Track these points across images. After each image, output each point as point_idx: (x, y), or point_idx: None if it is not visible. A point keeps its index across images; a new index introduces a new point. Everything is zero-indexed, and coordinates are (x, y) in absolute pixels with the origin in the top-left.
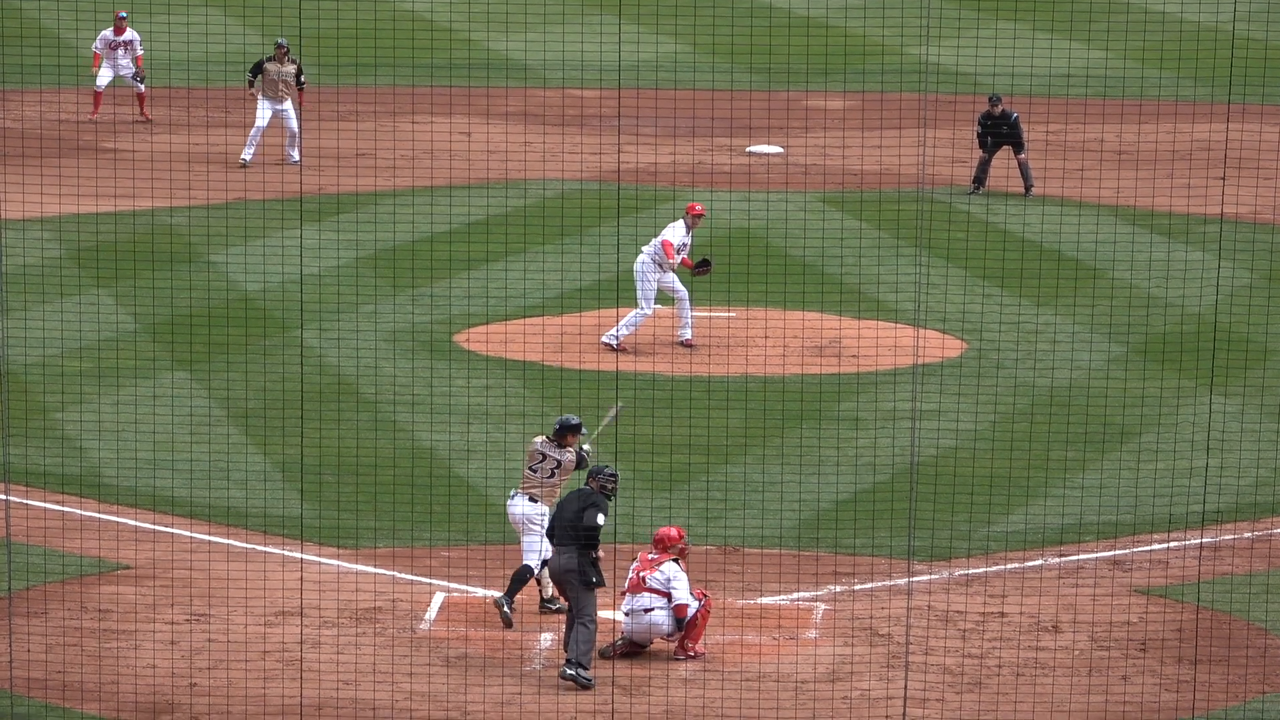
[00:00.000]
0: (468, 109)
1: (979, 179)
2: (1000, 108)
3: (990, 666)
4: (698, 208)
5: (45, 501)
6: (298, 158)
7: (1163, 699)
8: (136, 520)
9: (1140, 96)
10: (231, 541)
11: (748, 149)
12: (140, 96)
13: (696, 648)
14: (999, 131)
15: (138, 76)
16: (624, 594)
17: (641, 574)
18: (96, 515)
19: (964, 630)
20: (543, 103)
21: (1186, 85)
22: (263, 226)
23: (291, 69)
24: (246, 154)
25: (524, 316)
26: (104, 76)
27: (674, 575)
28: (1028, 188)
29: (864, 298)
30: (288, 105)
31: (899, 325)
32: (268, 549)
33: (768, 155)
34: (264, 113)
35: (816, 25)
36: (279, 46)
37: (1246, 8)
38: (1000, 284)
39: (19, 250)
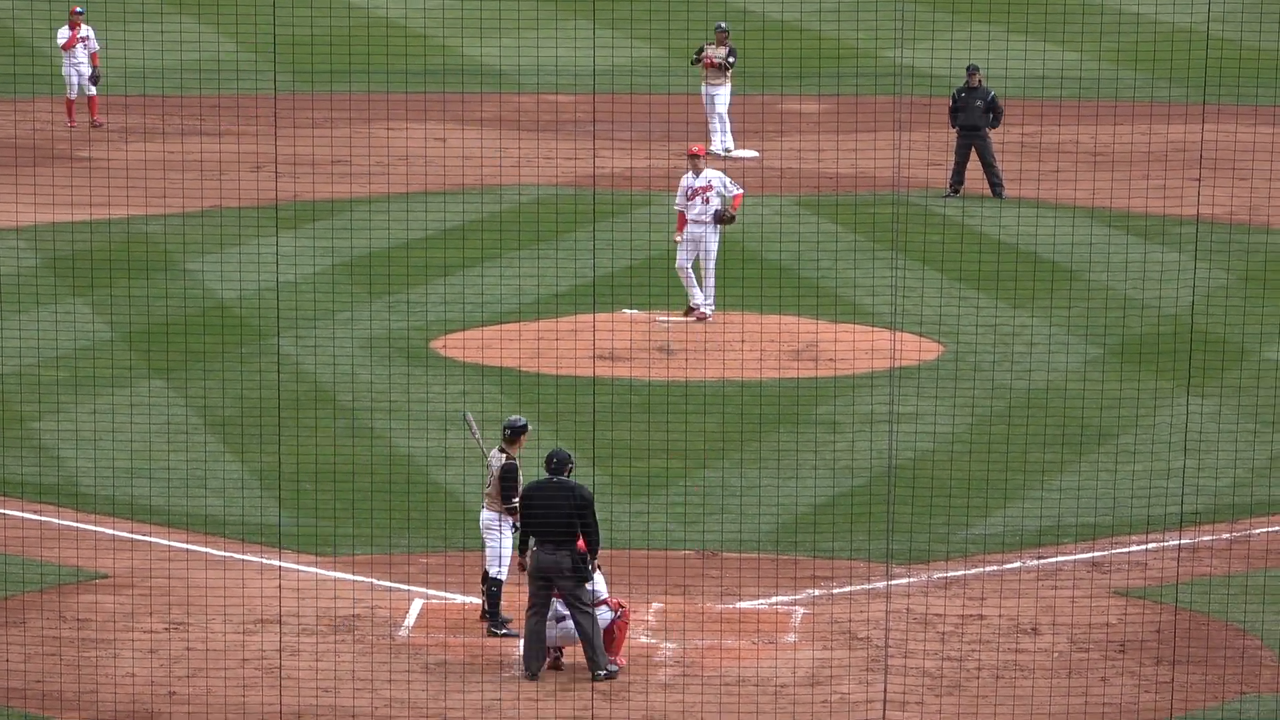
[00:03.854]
0: (443, 115)
1: (956, 182)
2: (978, 78)
3: (970, 669)
4: (693, 148)
5: (23, 510)
6: (731, 146)
7: (1142, 700)
8: (114, 529)
9: (1115, 98)
10: (209, 549)
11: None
12: (92, 100)
13: (618, 660)
14: (973, 106)
15: (93, 77)
16: None
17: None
18: (74, 524)
19: (943, 633)
20: (518, 108)
21: (1161, 86)
22: (238, 234)
23: (724, 51)
24: (728, 141)
25: (501, 322)
26: (70, 82)
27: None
28: (994, 186)
29: (840, 301)
30: (719, 90)
31: (875, 328)
32: (246, 557)
33: (743, 159)
34: (712, 96)
35: (791, 29)
36: (719, 30)
37: (1220, 8)
38: (977, 286)
39: None
